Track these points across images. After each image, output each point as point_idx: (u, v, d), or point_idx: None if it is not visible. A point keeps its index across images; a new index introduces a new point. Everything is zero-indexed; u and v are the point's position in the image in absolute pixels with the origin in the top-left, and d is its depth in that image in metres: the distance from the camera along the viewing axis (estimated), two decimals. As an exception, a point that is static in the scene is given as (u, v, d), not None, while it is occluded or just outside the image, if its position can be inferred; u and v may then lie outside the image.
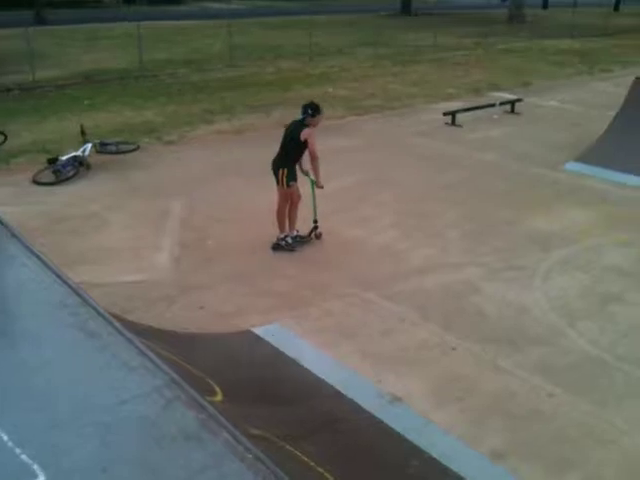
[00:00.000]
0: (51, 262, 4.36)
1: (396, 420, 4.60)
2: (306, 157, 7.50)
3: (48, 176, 9.56)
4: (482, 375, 5.32)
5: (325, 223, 7.97)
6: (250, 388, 4.68)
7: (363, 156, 11.12)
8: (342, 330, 5.92)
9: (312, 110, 7.38)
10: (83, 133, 10.18)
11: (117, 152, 10.50)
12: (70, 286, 4.04)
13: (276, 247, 7.65)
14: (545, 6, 46.63)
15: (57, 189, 9.34)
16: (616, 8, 46.12)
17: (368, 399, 4.86)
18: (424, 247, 7.70)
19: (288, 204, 7.62)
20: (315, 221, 7.88)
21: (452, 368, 5.42)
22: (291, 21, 30.26)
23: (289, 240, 7.68)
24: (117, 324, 3.64)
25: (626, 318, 6.20)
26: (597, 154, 10.64)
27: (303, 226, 7.84)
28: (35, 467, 2.63)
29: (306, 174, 7.73)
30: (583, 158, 10.74)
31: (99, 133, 11.43)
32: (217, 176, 9.99)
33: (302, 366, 5.25)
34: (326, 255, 7.54)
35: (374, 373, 5.27)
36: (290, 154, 7.42)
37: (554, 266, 7.21)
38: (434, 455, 4.29)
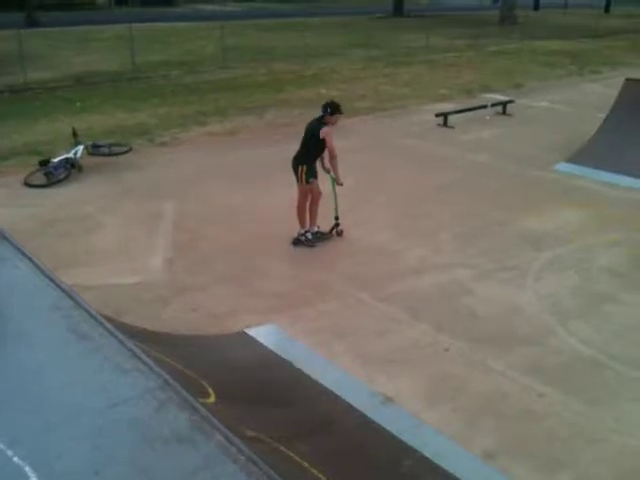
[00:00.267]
0: (43, 265, 4.36)
1: (388, 420, 4.62)
2: (327, 155, 7.64)
3: (40, 178, 9.54)
4: (474, 375, 5.34)
5: (317, 224, 7.98)
6: (244, 389, 4.68)
7: (355, 157, 11.11)
8: (336, 331, 5.93)
9: (330, 109, 7.49)
10: (75, 135, 10.16)
11: (109, 154, 10.48)
12: (62, 289, 4.03)
13: (296, 242, 7.80)
14: (536, 7, 46.86)
15: (49, 191, 9.32)
16: (607, 10, 46.39)
17: (361, 399, 4.87)
18: (418, 248, 7.72)
19: (308, 200, 7.76)
20: (336, 218, 7.99)
21: (444, 368, 5.44)
22: (284, 23, 30.31)
23: (309, 236, 7.82)
24: (110, 326, 3.64)
25: (618, 318, 6.24)
26: (588, 155, 10.70)
27: (323, 222, 7.96)
28: (27, 469, 2.63)
29: (328, 172, 7.86)
30: (574, 159, 10.80)
31: (91, 135, 11.41)
32: (210, 178, 9.99)
33: (295, 367, 5.25)
34: (321, 256, 7.55)
35: (366, 373, 5.29)
36: (310, 151, 7.58)
37: (546, 266, 7.25)
38: (426, 455, 4.30)
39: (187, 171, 10.32)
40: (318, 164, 7.77)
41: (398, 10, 39.17)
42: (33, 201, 8.93)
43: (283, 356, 5.39)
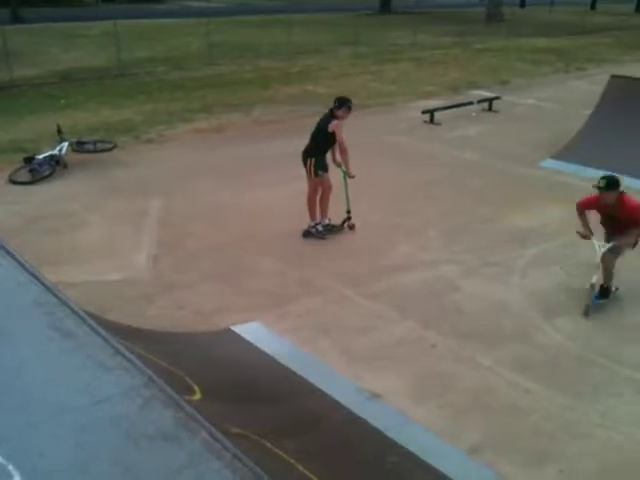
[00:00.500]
0: (26, 261, 4.32)
1: (375, 417, 4.62)
2: (338, 148, 7.73)
3: (24, 175, 9.46)
4: (460, 372, 5.35)
5: (305, 221, 7.97)
6: (230, 386, 4.67)
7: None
8: (322, 328, 5.93)
9: (338, 103, 7.60)
10: (59, 132, 10.08)
11: (95, 151, 10.41)
12: (45, 285, 3.99)
13: (307, 234, 7.90)
14: (523, 5, 47.03)
15: (33, 188, 9.24)
16: (592, 7, 46.64)
17: (347, 396, 4.87)
18: (405, 245, 7.73)
19: (318, 193, 7.86)
20: (348, 211, 8.07)
21: (431, 365, 5.45)
22: (270, 20, 30.20)
23: (320, 228, 7.91)
24: (93, 323, 3.60)
25: (602, 313, 6.27)
26: (574, 151, 10.76)
27: (334, 216, 8.08)
28: (10, 468, 2.60)
29: (338, 165, 7.94)
30: (560, 156, 10.85)
31: (76, 132, 11.33)
32: (196, 175, 9.94)
33: (281, 364, 5.24)
34: (307, 253, 7.54)
35: (353, 370, 5.29)
36: (319, 145, 7.68)
37: (532, 262, 7.29)
38: (413, 450, 4.31)
39: (173, 168, 10.27)
40: (329, 158, 7.84)
41: (385, 7, 39.19)
42: (17, 198, 8.85)
43: (269, 353, 5.37)
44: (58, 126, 10.16)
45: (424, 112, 13.45)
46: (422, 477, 4.20)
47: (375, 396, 4.94)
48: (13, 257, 4.38)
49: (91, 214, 8.40)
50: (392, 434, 4.46)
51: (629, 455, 4.51)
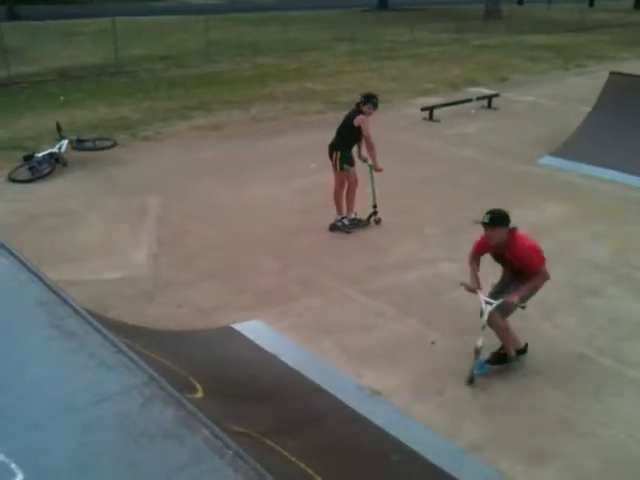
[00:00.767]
0: (27, 260, 4.31)
1: (376, 414, 4.63)
2: (364, 144, 7.83)
3: (24, 173, 9.44)
4: (460, 369, 5.35)
5: (303, 219, 7.97)
6: (231, 384, 4.67)
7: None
8: (322, 326, 5.93)
9: (364, 99, 7.76)
10: (59, 129, 10.06)
11: (94, 148, 10.40)
12: (46, 284, 3.99)
13: (333, 228, 7.97)
14: (521, 2, 47.03)
15: (33, 186, 9.22)
16: (591, 4, 46.64)
17: (348, 394, 4.88)
18: (404, 242, 7.73)
19: (344, 187, 7.92)
20: (374, 206, 8.12)
21: (431, 362, 5.45)
22: (268, 17, 30.15)
23: (346, 222, 7.98)
24: (94, 322, 3.60)
25: (602, 311, 6.28)
26: (572, 148, 10.77)
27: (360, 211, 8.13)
28: (13, 466, 2.61)
29: (364, 160, 8.00)
30: (559, 152, 10.86)
31: (75, 129, 11.30)
32: (194, 172, 9.93)
33: (282, 362, 5.24)
34: (306, 251, 7.53)
35: (353, 368, 5.29)
36: (345, 139, 7.78)
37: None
38: (414, 448, 4.31)
39: (171, 166, 10.25)
40: (355, 153, 7.92)
41: (383, 3, 39.14)
42: (17, 196, 8.83)
43: (270, 351, 5.37)
44: (57, 124, 10.14)
45: (423, 109, 13.45)
46: (423, 474, 4.21)
47: (376, 393, 4.95)
48: (14, 256, 4.37)
49: (90, 212, 8.39)
50: (393, 431, 4.47)
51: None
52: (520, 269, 5.04)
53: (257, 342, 5.49)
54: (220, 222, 8.20)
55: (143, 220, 8.21)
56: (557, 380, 5.24)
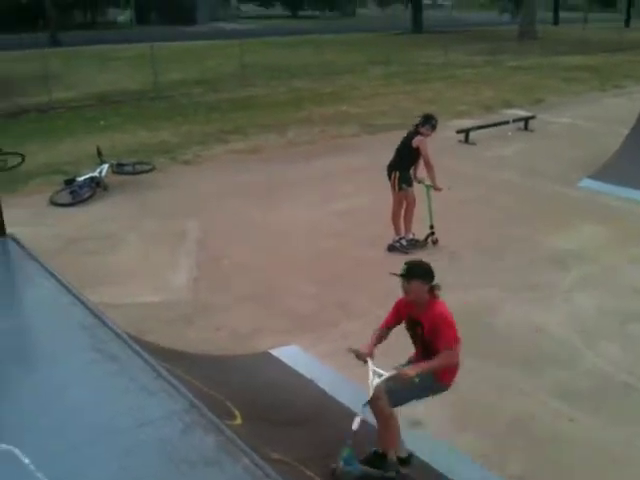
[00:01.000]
0: (69, 283, 4.39)
1: (415, 444, 4.55)
2: (422, 164, 7.88)
3: (65, 197, 9.65)
4: (501, 398, 5.26)
5: (341, 241, 7.97)
6: (269, 411, 4.66)
7: (376, 174, 11.09)
8: (359, 351, 5.87)
9: (422, 120, 7.88)
10: (99, 154, 10.28)
11: (133, 172, 10.60)
12: (89, 307, 4.06)
13: (391, 248, 8.01)
14: (556, 22, 46.73)
15: (74, 210, 9.42)
16: (627, 24, 46.11)
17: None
18: (438, 266, 7.63)
19: (402, 208, 8.00)
20: (431, 227, 8.15)
21: (471, 391, 5.35)
22: (302, 40, 30.47)
23: (404, 242, 8.02)
24: (136, 346, 3.64)
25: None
26: (612, 171, 10.59)
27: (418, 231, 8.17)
28: (55, 490, 2.63)
29: (419, 182, 8.07)
30: (598, 175, 10.69)
31: (115, 154, 11.53)
32: (232, 196, 10.03)
33: (319, 387, 5.22)
34: (344, 274, 7.52)
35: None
36: (403, 159, 7.88)
37: (571, 285, 7.16)
38: (453, 478, 4.24)
39: (210, 189, 10.37)
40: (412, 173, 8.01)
41: (416, 26, 39.28)
42: (58, 220, 9.02)
43: (307, 376, 5.36)
44: (98, 148, 10.36)
45: (458, 132, 13.40)
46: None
47: (415, 423, 4.88)
48: (57, 279, 4.46)
49: (130, 235, 8.52)
50: (432, 461, 4.39)
51: None
52: (430, 345, 4.27)
53: (294, 368, 5.48)
54: (258, 245, 8.26)
55: (182, 243, 8.31)
56: (601, 410, 5.11)
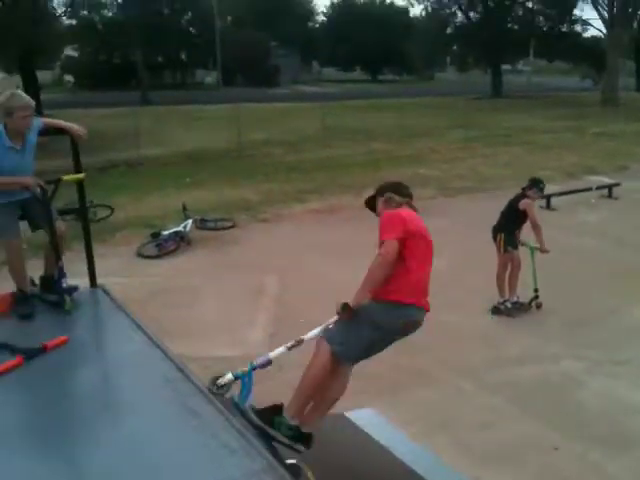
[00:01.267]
0: (155, 336, 4.51)
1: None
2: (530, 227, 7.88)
3: (151, 249, 10.02)
4: (584, 477, 5.00)
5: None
6: (343, 475, 4.57)
7: (452, 237, 11.01)
8: (436, 421, 5.74)
9: (530, 183, 8.05)
10: (185, 209, 10.67)
11: (215, 228, 10.93)
12: (173, 361, 4.14)
13: (495, 311, 7.99)
14: (638, 89, 45.92)
15: (159, 262, 9.75)
16: None
17: (465, 496, 4.64)
18: (521, 334, 7.47)
19: (507, 270, 8.00)
20: (536, 290, 8.09)
21: (554, 468, 5.13)
22: (382, 103, 31.08)
23: (508, 305, 7.98)
24: (218, 403, 3.68)
25: None
26: None
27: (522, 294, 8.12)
28: None
29: (523, 244, 8.08)
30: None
31: (199, 209, 11.90)
32: (310, 254, 10.15)
33: (394, 455, 5.09)
34: (419, 339, 7.37)
35: (471, 468, 5.05)
36: (509, 221, 7.93)
37: (663, 362, 6.81)
38: None
39: (288, 247, 10.54)
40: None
41: (496, 91, 39.43)
42: (144, 271, 9.35)
43: (382, 443, 5.23)
44: (183, 204, 10.77)
45: (540, 197, 13.16)
46: None
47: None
48: (144, 332, 4.59)
49: (210, 289, 8.71)
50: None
51: None
52: None
53: (370, 432, 5.36)
54: (334, 304, 8.24)
55: (259, 298, 8.43)
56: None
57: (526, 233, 8.12)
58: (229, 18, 56.51)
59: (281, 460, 3.29)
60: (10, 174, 4.55)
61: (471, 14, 45.35)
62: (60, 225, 4.87)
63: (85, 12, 40.02)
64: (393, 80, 58.65)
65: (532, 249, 7.94)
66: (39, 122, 4.73)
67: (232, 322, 7.72)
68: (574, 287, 8.88)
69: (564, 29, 45.45)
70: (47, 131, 4.86)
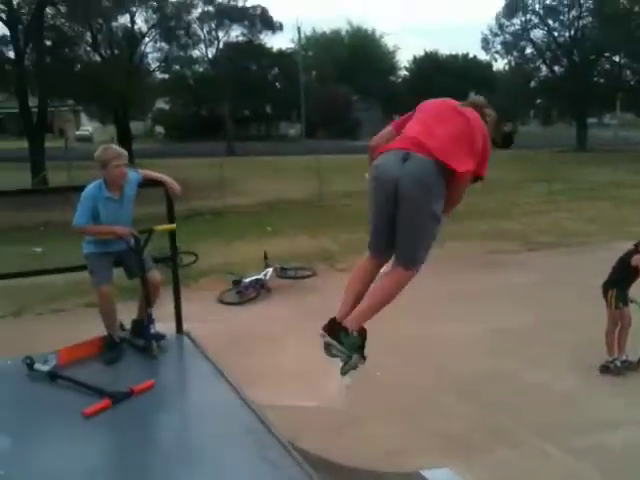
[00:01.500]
0: (239, 385, 4.61)
1: None
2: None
3: (232, 296, 10.26)
4: None
5: (499, 362, 7.70)
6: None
7: (536, 292, 10.76)
8: (517, 483, 5.55)
9: None
10: (266, 258, 10.92)
11: (295, 277, 11.10)
12: (256, 413, 4.21)
13: (604, 370, 7.79)
14: None
15: (239, 309, 9.96)
16: None
17: None
18: (609, 397, 7.14)
19: (617, 327, 7.82)
20: None
21: None
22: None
23: (618, 363, 7.78)
24: (298, 457, 3.71)
25: None
26: None
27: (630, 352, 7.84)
28: None
29: (632, 301, 7.90)
30: None
31: (279, 257, 12.14)
32: (390, 305, 10.08)
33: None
34: (502, 396, 7.21)
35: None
36: (620, 277, 7.79)
37: None
38: None
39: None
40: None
41: (581, 144, 38.62)
42: (225, 317, 9.57)
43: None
44: (265, 253, 11.03)
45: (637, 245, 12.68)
46: None
47: None
48: (227, 380, 4.69)
49: (289, 337, 8.80)
50: None
51: None
52: None
53: (447, 493, 5.25)
54: (413, 357, 8.18)
55: (337, 350, 8.42)
56: None
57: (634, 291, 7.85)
58: (314, 73, 58.18)
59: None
60: (108, 223, 4.83)
61: (555, 68, 44.96)
62: (156, 275, 5.08)
63: (177, 67, 42.09)
64: (474, 132, 58.38)
65: (639, 306, 7.73)
66: (138, 175, 5.02)
67: (309, 372, 7.73)
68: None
69: (652, 83, 44.30)
70: (146, 183, 5.15)
